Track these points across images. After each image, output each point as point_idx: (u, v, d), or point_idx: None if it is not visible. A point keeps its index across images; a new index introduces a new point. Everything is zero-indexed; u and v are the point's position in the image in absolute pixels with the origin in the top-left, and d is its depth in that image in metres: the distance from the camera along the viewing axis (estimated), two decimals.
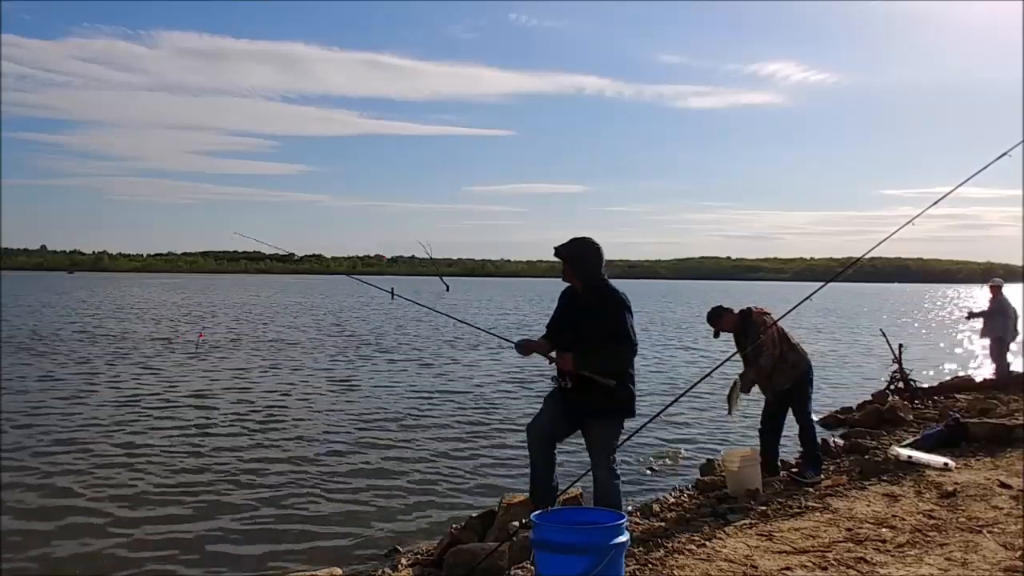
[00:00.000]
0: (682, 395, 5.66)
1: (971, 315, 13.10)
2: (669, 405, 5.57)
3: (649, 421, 5.65)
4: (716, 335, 6.93)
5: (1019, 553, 4.43)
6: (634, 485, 7.67)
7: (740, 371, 6.54)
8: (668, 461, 8.64)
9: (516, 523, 4.84)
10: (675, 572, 4.31)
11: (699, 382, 5.79)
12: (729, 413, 6.53)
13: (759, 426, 6.92)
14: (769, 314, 6.64)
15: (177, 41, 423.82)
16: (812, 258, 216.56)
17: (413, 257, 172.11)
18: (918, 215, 5.37)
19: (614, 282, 4.90)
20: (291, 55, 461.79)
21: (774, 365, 6.41)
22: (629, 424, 5.09)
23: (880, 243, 5.40)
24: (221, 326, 28.10)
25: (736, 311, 6.75)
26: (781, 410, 6.73)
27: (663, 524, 5.50)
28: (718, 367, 5.50)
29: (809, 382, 6.65)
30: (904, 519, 5.18)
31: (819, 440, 7.03)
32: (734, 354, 6.37)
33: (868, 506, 5.54)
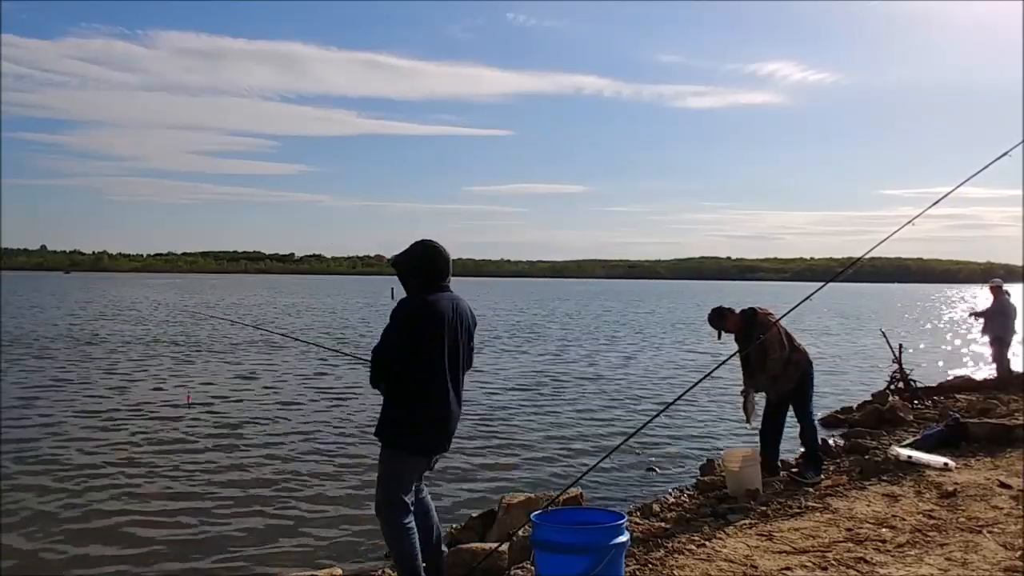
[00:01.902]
0: (682, 395, 5.66)
1: (973, 314, 13.12)
2: (669, 405, 5.58)
3: (649, 421, 5.66)
4: (719, 336, 6.83)
5: (1019, 553, 4.43)
6: (634, 485, 7.68)
7: (744, 378, 6.53)
8: (668, 461, 8.64)
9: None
10: (675, 572, 4.31)
11: (699, 382, 5.80)
12: (748, 422, 6.55)
13: (759, 426, 6.91)
14: (772, 314, 6.61)
15: (175, 41, 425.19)
16: (812, 258, 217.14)
17: None
18: (918, 215, 5.39)
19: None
20: (289, 55, 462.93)
21: (783, 368, 6.40)
22: (631, 424, 5.03)
23: (880, 243, 5.41)
24: (217, 327, 28.08)
25: (738, 311, 6.72)
26: (782, 410, 6.71)
27: (663, 524, 5.49)
28: (717, 368, 5.51)
29: (810, 382, 6.64)
30: (904, 519, 5.18)
31: (819, 440, 7.03)
32: (733, 354, 6.36)
33: (868, 506, 5.54)
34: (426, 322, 3.84)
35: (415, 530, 3.95)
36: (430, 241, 4.02)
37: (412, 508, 3.97)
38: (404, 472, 3.92)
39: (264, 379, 14.87)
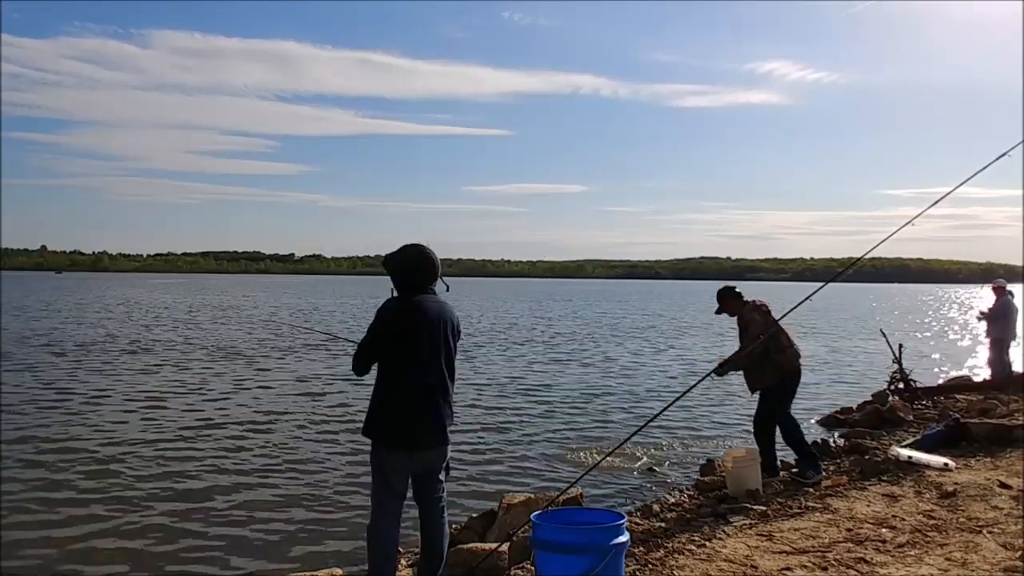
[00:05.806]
0: (681, 396, 5.66)
1: (980, 316, 13.07)
2: (669, 405, 5.57)
3: (649, 421, 5.65)
4: (718, 312, 7.00)
5: (1019, 553, 4.43)
6: (634, 485, 7.68)
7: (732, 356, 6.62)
8: (668, 461, 8.63)
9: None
10: (675, 572, 4.31)
11: (698, 383, 5.81)
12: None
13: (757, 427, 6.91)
14: (760, 309, 6.64)
15: (169, 40, 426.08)
16: (812, 258, 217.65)
17: None
18: (918, 215, 5.39)
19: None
20: (285, 54, 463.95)
21: (756, 361, 6.42)
22: (631, 424, 5.02)
23: (880, 243, 5.41)
24: (213, 327, 28.09)
25: (743, 299, 6.79)
26: (773, 410, 6.74)
27: (663, 524, 5.50)
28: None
29: (794, 383, 6.64)
30: (904, 519, 5.18)
31: (813, 440, 7.01)
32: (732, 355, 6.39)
33: (868, 506, 5.54)
34: (409, 322, 3.95)
35: (393, 540, 3.97)
36: (421, 245, 4.11)
37: (395, 513, 3.96)
38: (384, 467, 3.96)
39: (260, 380, 14.86)
